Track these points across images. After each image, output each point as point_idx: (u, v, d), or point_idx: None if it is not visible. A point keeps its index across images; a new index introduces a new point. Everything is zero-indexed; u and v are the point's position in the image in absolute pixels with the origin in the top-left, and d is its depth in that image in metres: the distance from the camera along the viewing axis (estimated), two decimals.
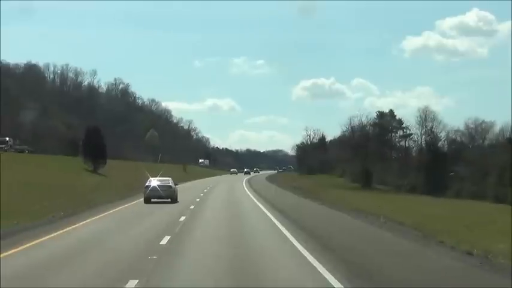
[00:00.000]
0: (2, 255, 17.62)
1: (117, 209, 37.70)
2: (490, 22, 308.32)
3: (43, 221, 28.38)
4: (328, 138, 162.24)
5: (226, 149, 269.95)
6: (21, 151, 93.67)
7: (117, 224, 28.35)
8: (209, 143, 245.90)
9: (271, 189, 77.38)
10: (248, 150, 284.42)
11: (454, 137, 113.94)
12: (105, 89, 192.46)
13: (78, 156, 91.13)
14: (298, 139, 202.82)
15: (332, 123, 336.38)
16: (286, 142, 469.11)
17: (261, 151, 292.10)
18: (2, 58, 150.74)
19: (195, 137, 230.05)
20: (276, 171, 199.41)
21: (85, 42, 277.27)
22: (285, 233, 24.86)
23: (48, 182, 55.01)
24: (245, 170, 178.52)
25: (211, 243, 21.14)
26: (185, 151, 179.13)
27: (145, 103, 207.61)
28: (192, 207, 38.88)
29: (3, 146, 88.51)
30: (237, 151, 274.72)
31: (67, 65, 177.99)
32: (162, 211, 36.50)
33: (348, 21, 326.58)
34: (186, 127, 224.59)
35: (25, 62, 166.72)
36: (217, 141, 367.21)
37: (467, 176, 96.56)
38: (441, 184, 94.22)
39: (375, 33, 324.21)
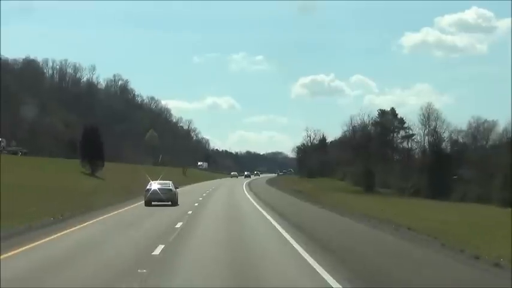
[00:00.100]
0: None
1: (112, 214, 36.50)
2: (489, 19, 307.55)
3: (21, 229, 25.50)
4: (329, 139, 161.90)
5: (226, 151, 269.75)
6: (15, 153, 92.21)
7: (109, 231, 26.51)
8: (209, 144, 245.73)
9: (272, 193, 76.45)
10: (248, 153, 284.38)
11: (456, 137, 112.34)
12: (104, 85, 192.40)
13: (76, 158, 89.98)
14: (298, 140, 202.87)
15: (332, 121, 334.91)
16: (286, 143, 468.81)
17: (261, 153, 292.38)
18: (1, 55, 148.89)
19: (194, 138, 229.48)
20: (276, 174, 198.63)
21: (84, 41, 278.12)
22: (289, 240, 23.55)
23: (42, 184, 53.92)
24: (245, 173, 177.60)
25: (210, 247, 20.64)
26: (185, 152, 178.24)
27: (145, 101, 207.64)
28: (189, 212, 37.67)
29: None
30: (236, 153, 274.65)
31: (66, 60, 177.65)
32: (160, 215, 35.51)
33: (346, 18, 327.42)
34: (185, 127, 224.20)
35: (23, 57, 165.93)
36: (217, 142, 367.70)
37: (472, 178, 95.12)
38: (445, 187, 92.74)
39: (373, 30, 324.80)
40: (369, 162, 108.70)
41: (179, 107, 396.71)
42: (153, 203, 44.16)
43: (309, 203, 52.89)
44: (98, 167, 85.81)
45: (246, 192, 75.24)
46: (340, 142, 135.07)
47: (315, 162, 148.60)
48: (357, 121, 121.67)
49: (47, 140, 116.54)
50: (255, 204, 49.51)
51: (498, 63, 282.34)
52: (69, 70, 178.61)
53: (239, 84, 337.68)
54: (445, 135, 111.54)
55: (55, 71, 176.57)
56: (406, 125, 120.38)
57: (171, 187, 46.25)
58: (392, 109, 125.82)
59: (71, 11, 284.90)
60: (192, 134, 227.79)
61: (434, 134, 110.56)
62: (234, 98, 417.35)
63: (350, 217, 36.43)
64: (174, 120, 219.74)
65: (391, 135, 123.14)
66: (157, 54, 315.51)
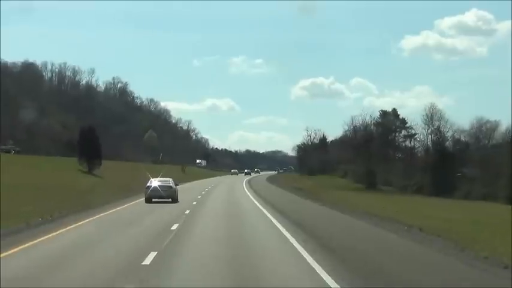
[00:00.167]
0: None
1: (104, 213, 35.50)
2: (489, 21, 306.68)
3: (14, 229, 24.06)
4: (329, 138, 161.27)
5: (226, 149, 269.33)
6: (8, 151, 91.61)
7: (100, 232, 24.41)
8: (208, 143, 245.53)
9: (272, 190, 75.89)
10: (247, 151, 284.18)
11: (458, 136, 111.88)
12: (103, 88, 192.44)
13: (73, 156, 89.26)
14: (297, 140, 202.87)
15: (331, 123, 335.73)
16: (285, 143, 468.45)
17: (260, 152, 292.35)
18: (1, 57, 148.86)
19: (194, 137, 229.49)
20: (276, 171, 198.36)
21: (84, 42, 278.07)
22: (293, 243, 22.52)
23: (36, 183, 53.12)
24: (246, 170, 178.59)
25: (209, 245, 20.21)
26: (184, 152, 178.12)
27: (144, 103, 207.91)
28: (187, 212, 36.44)
29: None
30: (236, 152, 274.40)
31: (65, 63, 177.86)
32: (159, 213, 34.77)
33: (346, 20, 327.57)
34: (185, 127, 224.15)
35: (22, 60, 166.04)
36: (216, 142, 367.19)
37: (476, 176, 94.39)
38: (449, 185, 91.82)
39: (373, 33, 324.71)
40: (370, 161, 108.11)
41: (179, 109, 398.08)
42: (153, 199, 44.44)
43: (309, 201, 52.34)
44: (95, 165, 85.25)
45: (246, 189, 74.66)
46: (341, 141, 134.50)
47: (315, 160, 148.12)
48: (359, 121, 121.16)
49: (45, 142, 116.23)
50: (255, 201, 48.86)
51: (498, 66, 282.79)
52: (68, 73, 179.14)
53: (239, 87, 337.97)
54: (449, 134, 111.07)
55: (54, 74, 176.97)
56: (408, 125, 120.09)
57: (171, 184, 46.58)
58: (394, 110, 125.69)
59: (71, 11, 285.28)
60: (192, 134, 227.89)
61: (438, 133, 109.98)
62: (234, 100, 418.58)
63: (351, 215, 35.86)
64: (173, 121, 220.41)
65: (393, 134, 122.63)
66: (157, 56, 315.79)
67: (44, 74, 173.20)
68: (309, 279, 14.27)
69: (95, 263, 16.27)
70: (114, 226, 27.12)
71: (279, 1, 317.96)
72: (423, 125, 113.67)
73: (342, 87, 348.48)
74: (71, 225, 26.67)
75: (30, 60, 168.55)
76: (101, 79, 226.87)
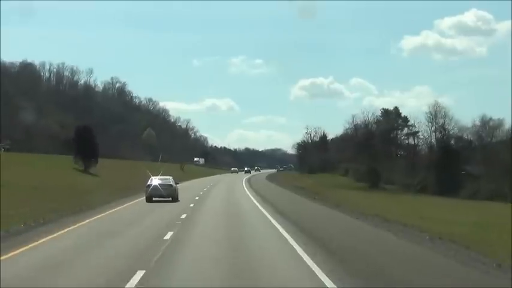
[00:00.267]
0: None
1: (107, 213, 34.04)
2: (489, 21, 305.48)
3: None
4: (329, 136, 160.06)
5: (225, 148, 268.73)
6: None
7: (91, 240, 21.74)
8: (207, 142, 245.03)
9: (272, 189, 74.59)
10: (247, 149, 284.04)
11: (460, 134, 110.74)
12: (101, 88, 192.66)
13: (69, 154, 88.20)
14: (297, 138, 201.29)
15: (331, 123, 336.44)
16: (285, 141, 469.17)
17: (260, 150, 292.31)
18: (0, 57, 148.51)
19: (192, 136, 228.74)
20: (276, 170, 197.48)
21: (82, 42, 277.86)
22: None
23: (28, 183, 51.54)
24: (245, 168, 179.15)
25: (209, 247, 19.68)
26: (183, 150, 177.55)
27: (143, 103, 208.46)
28: (183, 216, 34.22)
29: None
30: (235, 150, 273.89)
31: (63, 63, 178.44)
32: (158, 213, 33.33)
33: (346, 20, 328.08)
34: (183, 126, 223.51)
35: (21, 60, 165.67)
36: (215, 140, 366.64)
37: (480, 174, 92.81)
38: (454, 183, 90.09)
39: (373, 33, 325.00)
40: (372, 159, 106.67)
41: (177, 109, 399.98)
42: (153, 198, 44.38)
43: (310, 200, 51.11)
44: (91, 164, 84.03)
45: (245, 188, 73.43)
46: (341, 139, 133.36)
47: (315, 158, 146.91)
48: (360, 119, 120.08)
49: (42, 141, 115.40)
50: (255, 202, 47.43)
51: (498, 66, 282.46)
52: (67, 73, 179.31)
53: (238, 87, 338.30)
54: (453, 132, 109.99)
55: (52, 74, 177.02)
56: (410, 123, 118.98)
57: (171, 183, 46.56)
58: (396, 108, 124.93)
59: (70, 11, 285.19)
60: (190, 133, 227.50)
61: (442, 131, 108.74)
62: (234, 100, 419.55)
63: (368, 222, 32.83)
64: (172, 120, 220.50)
65: (395, 132, 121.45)
66: (156, 55, 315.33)
67: (42, 74, 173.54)
68: (309, 281, 13.98)
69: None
70: (117, 225, 26.33)
71: (278, 1, 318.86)
72: (426, 123, 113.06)
73: (342, 87, 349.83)
74: (72, 225, 25.87)
75: (29, 60, 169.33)
76: (99, 79, 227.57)
